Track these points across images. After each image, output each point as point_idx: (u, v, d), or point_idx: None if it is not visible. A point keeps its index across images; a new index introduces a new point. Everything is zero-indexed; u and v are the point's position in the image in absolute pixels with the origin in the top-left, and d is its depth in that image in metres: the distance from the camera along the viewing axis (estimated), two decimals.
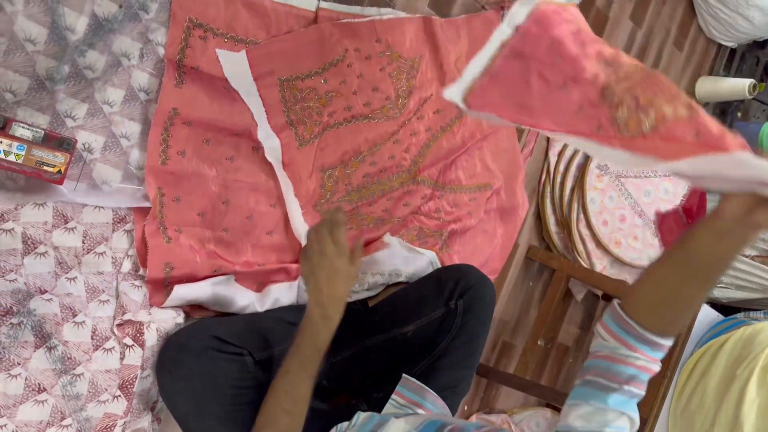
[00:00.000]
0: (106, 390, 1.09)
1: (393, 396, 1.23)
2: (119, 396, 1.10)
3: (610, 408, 0.87)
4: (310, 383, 1.02)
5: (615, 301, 0.88)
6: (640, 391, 0.85)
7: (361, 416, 1.13)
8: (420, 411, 1.24)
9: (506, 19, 0.89)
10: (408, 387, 1.25)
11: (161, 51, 1.17)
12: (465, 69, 0.92)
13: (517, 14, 0.88)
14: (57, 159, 1.02)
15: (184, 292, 1.19)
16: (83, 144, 1.11)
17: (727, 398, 1.33)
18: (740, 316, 1.51)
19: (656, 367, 0.86)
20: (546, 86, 0.86)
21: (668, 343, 0.85)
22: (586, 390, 0.90)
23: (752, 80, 2.29)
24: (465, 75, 0.92)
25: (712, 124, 0.70)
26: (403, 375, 1.27)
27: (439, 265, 1.60)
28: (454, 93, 0.93)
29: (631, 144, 0.75)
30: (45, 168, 1.01)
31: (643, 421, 1.45)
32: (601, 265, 1.90)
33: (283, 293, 1.35)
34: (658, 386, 1.44)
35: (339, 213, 1.01)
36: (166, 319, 1.18)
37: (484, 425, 0.98)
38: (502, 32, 0.89)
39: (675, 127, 0.72)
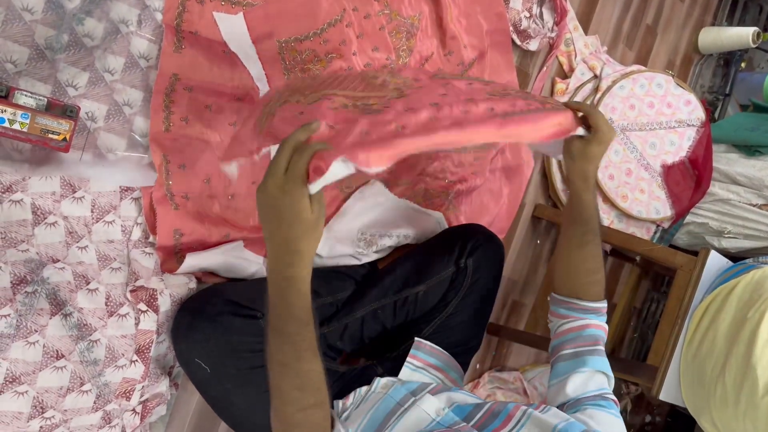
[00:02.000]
0: (123, 355, 1.10)
1: (408, 359, 1.24)
2: (136, 361, 1.12)
3: (597, 370, 0.98)
4: (318, 362, 0.86)
5: (551, 294, 1.12)
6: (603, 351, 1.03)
7: (380, 382, 1.12)
8: (435, 372, 1.25)
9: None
10: (422, 350, 1.27)
11: (159, 17, 1.17)
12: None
13: None
14: (62, 126, 1.02)
15: (195, 261, 1.20)
16: (86, 113, 1.11)
17: (738, 341, 1.33)
18: (749, 260, 1.51)
19: (605, 327, 1.10)
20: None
21: (601, 305, 1.09)
22: (568, 363, 1.05)
23: (756, 29, 2.26)
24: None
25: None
26: (416, 339, 1.28)
27: (446, 226, 1.61)
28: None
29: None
30: (50, 136, 1.01)
31: (654, 369, 1.46)
32: (608, 219, 1.90)
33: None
34: (668, 334, 1.45)
35: (314, 124, 0.83)
36: (179, 285, 1.19)
37: (517, 403, 0.96)
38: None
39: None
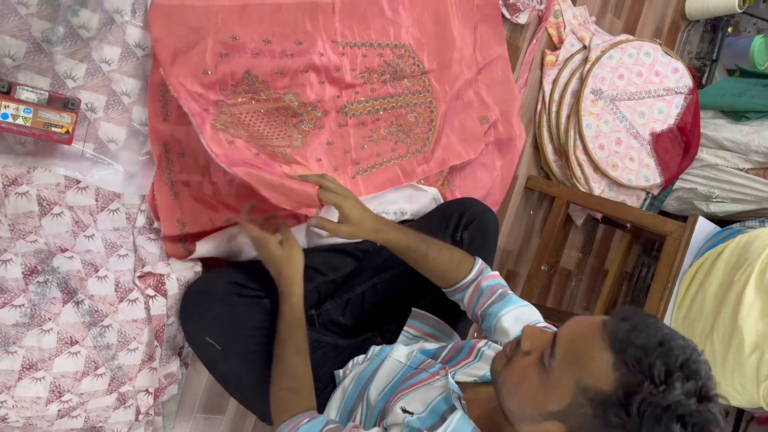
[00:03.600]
0: (135, 339, 1.14)
1: (405, 328, 1.29)
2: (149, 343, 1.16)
3: (518, 306, 1.14)
4: (301, 357, 1.08)
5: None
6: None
7: (375, 349, 1.20)
8: (430, 340, 1.30)
9: None
10: (419, 319, 1.31)
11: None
12: None
13: None
14: (64, 119, 1.03)
15: (203, 250, 1.24)
16: (86, 104, 1.13)
17: (726, 303, 1.38)
18: (736, 225, 1.56)
19: (494, 273, 1.22)
20: None
21: (476, 268, 1.20)
22: (492, 308, 1.15)
23: None
24: None
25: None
26: (413, 309, 1.32)
27: (442, 201, 1.64)
28: None
29: None
30: (53, 129, 1.03)
31: None
32: (599, 189, 1.94)
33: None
34: (659, 298, 1.50)
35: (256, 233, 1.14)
36: (185, 268, 1.22)
37: (472, 342, 1.09)
38: None
39: None
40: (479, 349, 1.06)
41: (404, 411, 0.95)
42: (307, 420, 0.99)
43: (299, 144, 1.35)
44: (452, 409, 0.91)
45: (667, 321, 1.49)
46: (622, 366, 0.70)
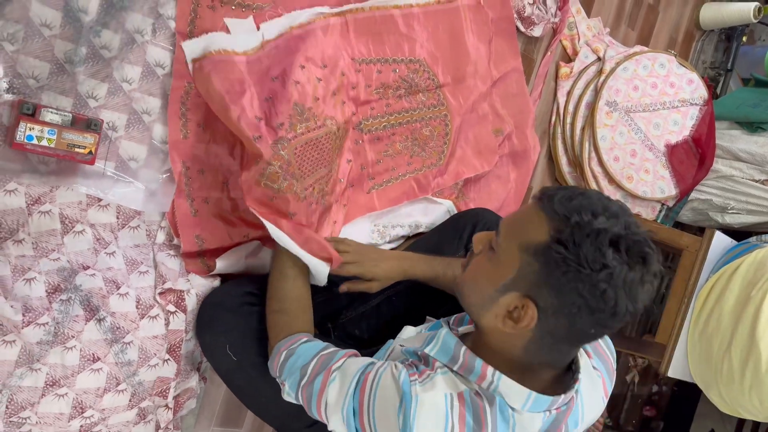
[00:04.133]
0: (155, 354, 1.15)
1: None
2: (168, 360, 1.17)
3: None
4: (288, 281, 1.13)
5: None
6: None
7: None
8: None
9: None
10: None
11: (172, 24, 1.19)
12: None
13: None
14: (86, 140, 1.05)
15: (224, 265, 1.25)
16: (107, 123, 1.14)
17: (743, 319, 1.38)
18: (753, 240, 1.55)
19: None
20: None
21: None
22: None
23: (756, 3, 2.26)
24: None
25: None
26: (427, 317, 1.32)
27: None
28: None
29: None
30: (76, 150, 1.04)
31: (662, 347, 1.51)
32: None
33: None
34: (675, 313, 1.50)
35: None
36: (204, 284, 1.23)
37: None
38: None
39: None
40: None
41: (402, 346, 1.00)
42: (305, 339, 1.03)
43: (335, 168, 1.36)
44: (438, 328, 0.96)
45: (683, 336, 1.49)
46: (553, 215, 0.76)
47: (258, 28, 1.27)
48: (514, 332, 0.81)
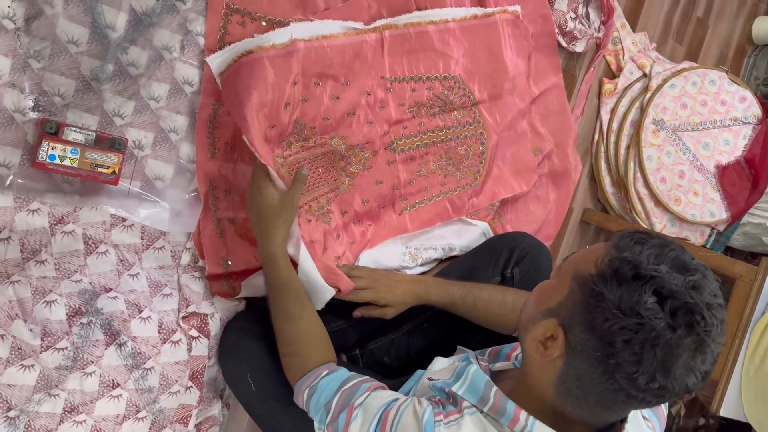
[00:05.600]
0: (177, 381, 1.11)
1: None
2: (191, 387, 1.13)
3: None
4: (292, 322, 1.06)
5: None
6: None
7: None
8: None
9: None
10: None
11: (201, 41, 1.16)
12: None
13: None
14: (110, 160, 1.02)
15: (249, 290, 1.22)
16: (133, 141, 1.11)
17: None
18: None
19: None
20: None
21: None
22: None
23: None
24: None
25: None
26: (458, 347, 1.26)
27: (492, 235, 1.58)
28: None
29: None
30: (100, 170, 1.02)
31: (714, 383, 1.41)
32: (660, 224, 1.84)
33: None
34: (728, 348, 1.40)
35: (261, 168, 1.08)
36: (229, 308, 1.19)
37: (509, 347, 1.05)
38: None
39: None
40: (516, 356, 1.01)
41: (431, 380, 0.95)
42: (325, 373, 0.98)
43: (345, 188, 1.31)
44: (468, 363, 0.91)
45: (737, 373, 1.39)
46: (612, 249, 0.70)
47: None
48: (543, 361, 0.75)
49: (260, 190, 1.06)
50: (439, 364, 1.08)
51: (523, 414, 0.77)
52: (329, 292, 1.14)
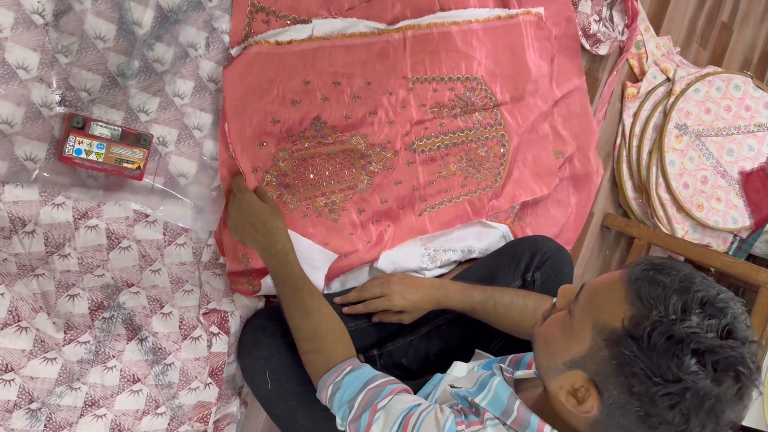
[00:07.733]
0: (197, 377, 1.11)
1: None
2: (210, 383, 1.13)
3: None
4: (310, 319, 1.04)
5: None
6: None
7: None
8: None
9: None
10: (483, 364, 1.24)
11: (226, 39, 1.16)
12: None
13: None
14: (135, 155, 1.03)
15: (269, 286, 1.22)
16: (158, 137, 1.12)
17: None
18: None
19: None
20: None
21: None
22: None
23: None
24: None
25: None
26: (477, 351, 1.25)
27: (512, 238, 1.56)
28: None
29: None
30: (125, 165, 1.02)
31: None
32: (682, 230, 1.82)
33: (348, 277, 1.36)
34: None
35: (240, 181, 1.13)
36: (249, 306, 1.19)
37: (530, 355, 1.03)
38: None
39: None
40: None
41: (452, 387, 0.94)
42: (349, 369, 0.98)
43: (364, 186, 1.31)
44: (492, 374, 0.90)
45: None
46: (635, 300, 0.66)
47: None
48: (577, 413, 0.73)
49: (245, 197, 1.09)
50: (458, 368, 1.07)
51: (547, 428, 0.77)
52: (328, 255, 1.15)
